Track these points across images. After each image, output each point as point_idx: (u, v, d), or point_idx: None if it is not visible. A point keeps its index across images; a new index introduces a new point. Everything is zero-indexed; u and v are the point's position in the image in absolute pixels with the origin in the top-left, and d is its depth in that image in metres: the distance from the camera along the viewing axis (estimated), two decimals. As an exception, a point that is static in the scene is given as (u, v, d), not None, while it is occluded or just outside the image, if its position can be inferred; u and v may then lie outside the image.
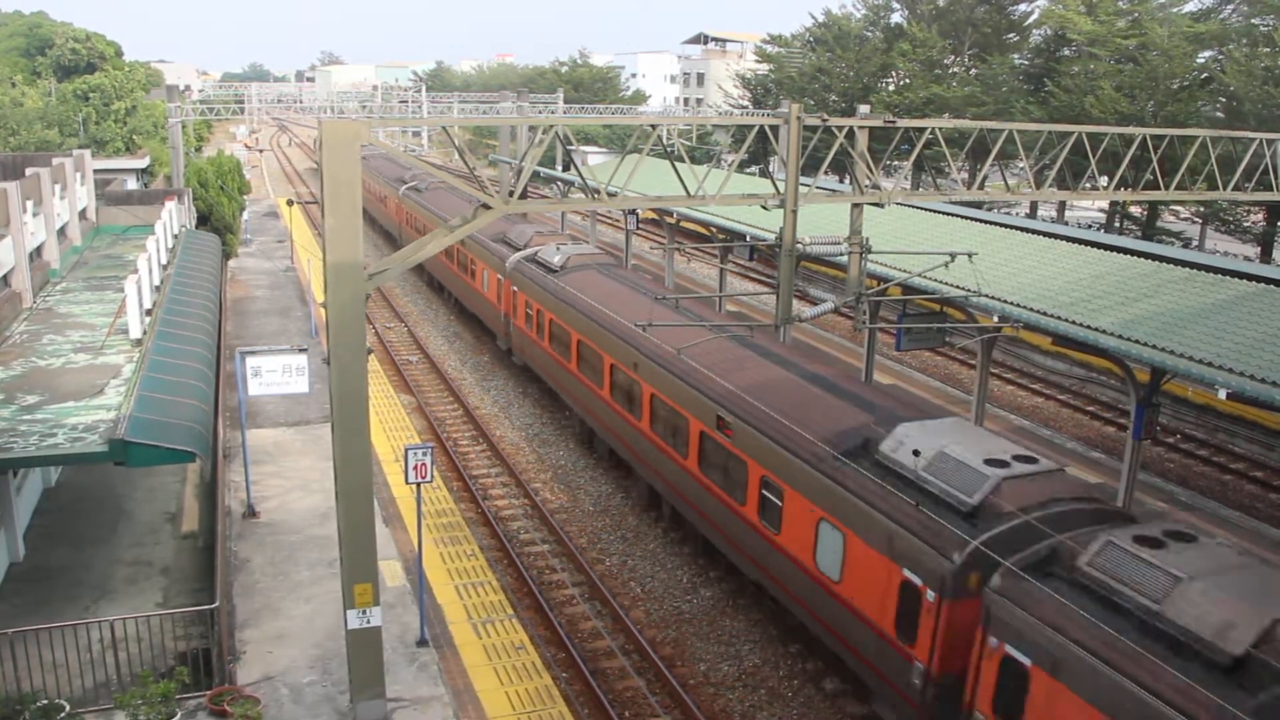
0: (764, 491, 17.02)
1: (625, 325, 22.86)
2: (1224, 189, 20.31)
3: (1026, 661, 11.43)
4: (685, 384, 19.68)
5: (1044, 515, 12.84)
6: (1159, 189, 20.34)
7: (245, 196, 52.23)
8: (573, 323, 25.74)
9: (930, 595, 13.13)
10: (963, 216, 30.01)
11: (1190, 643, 9.93)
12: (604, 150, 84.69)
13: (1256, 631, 9.54)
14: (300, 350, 20.39)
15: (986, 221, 29.56)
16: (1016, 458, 14.13)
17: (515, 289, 30.81)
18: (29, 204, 23.62)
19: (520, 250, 31.89)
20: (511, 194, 13.48)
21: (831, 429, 16.06)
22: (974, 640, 12.38)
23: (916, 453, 14.43)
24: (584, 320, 25.02)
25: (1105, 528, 12.26)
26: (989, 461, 13.87)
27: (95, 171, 34.96)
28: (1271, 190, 20.59)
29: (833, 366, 20.29)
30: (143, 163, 56.83)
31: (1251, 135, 20.66)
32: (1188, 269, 21.96)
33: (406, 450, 15.53)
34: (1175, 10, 51.98)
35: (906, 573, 13.54)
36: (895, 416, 16.03)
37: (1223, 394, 17.10)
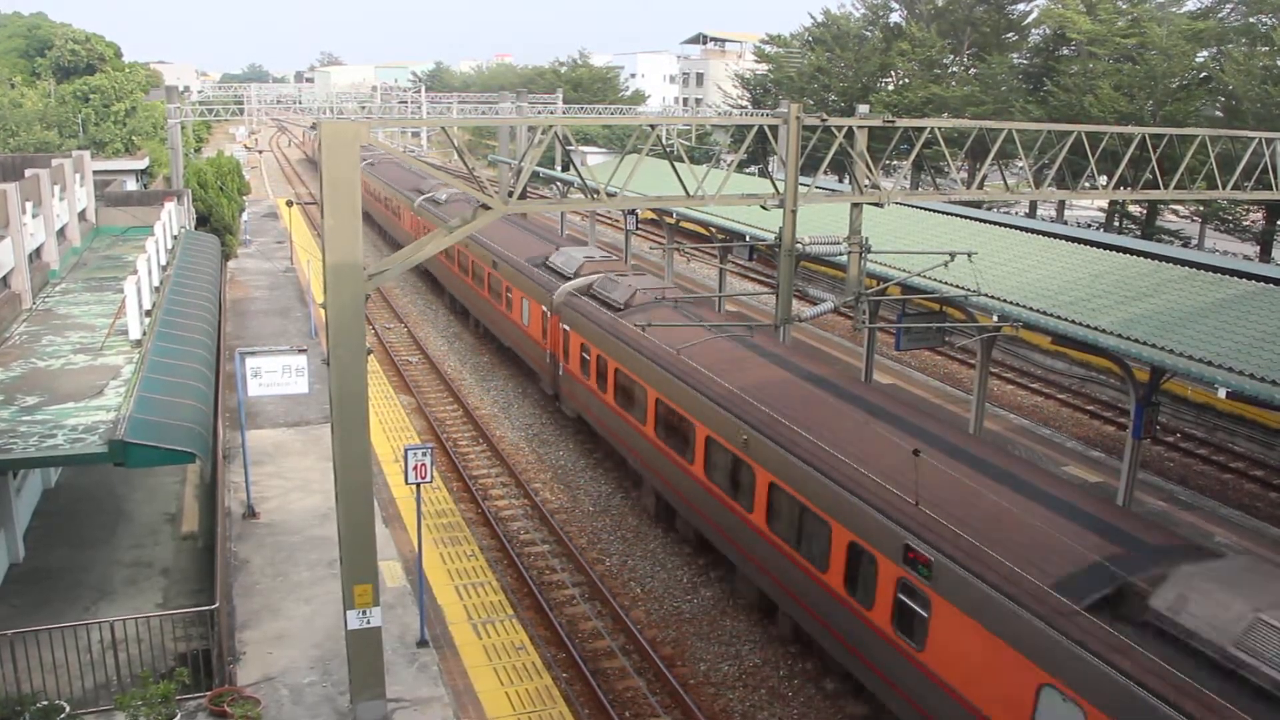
0: (507, 295, 31.42)
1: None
2: (1223, 188, 20.33)
3: (567, 328, 25.64)
4: (482, 248, 34.24)
5: (596, 276, 26.49)
6: (1158, 188, 20.37)
7: (244, 197, 52.26)
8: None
9: (549, 314, 27.16)
10: (962, 216, 30.03)
11: (614, 304, 23.67)
12: (603, 150, 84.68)
13: (627, 294, 23.80)
14: (300, 351, 20.40)
15: (986, 221, 29.57)
16: (604, 258, 28.70)
17: (423, 221, 44.14)
18: (28, 205, 23.61)
19: (425, 194, 45.95)
20: (511, 194, 13.48)
21: (535, 256, 30.43)
22: (558, 329, 26.51)
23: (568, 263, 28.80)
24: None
25: (622, 278, 25.27)
26: (586, 258, 27.82)
27: (95, 172, 34.93)
28: (1270, 189, 20.59)
29: (554, 233, 39.57)
30: (142, 164, 56.80)
31: (1250, 134, 20.68)
32: (1187, 268, 21.95)
33: (406, 451, 15.53)
34: (1174, 9, 51.99)
35: (543, 309, 27.68)
36: (563, 246, 30.80)
37: (1222, 393, 17.10)
